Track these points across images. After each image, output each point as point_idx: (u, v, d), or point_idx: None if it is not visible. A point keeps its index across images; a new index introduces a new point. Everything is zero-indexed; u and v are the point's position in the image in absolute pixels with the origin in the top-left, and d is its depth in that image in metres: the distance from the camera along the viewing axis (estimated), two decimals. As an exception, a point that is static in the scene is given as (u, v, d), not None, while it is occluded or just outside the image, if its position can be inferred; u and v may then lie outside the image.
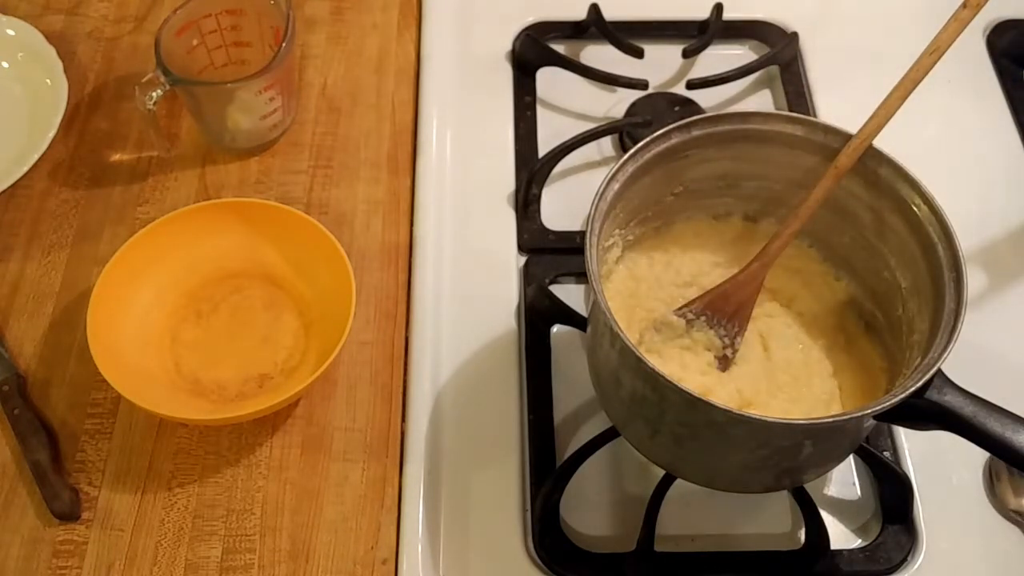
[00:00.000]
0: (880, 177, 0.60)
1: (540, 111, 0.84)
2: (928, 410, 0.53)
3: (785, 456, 0.57)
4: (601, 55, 0.86)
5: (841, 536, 0.64)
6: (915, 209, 0.58)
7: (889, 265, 0.62)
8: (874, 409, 0.52)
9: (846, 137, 0.60)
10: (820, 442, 0.57)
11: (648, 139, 0.60)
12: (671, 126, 0.61)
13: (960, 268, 0.55)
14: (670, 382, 0.51)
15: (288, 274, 0.72)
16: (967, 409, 0.53)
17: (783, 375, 0.63)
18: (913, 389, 0.51)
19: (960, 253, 0.55)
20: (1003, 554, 0.63)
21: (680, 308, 0.63)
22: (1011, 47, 0.88)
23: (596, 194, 0.58)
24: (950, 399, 0.53)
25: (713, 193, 0.66)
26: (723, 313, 0.62)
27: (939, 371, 0.53)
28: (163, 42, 0.73)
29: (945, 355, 0.52)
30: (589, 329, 0.65)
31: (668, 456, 0.61)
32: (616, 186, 0.59)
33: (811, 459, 0.58)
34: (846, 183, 0.61)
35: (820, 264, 0.67)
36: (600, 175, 0.59)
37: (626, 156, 0.59)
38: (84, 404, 0.68)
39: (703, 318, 0.62)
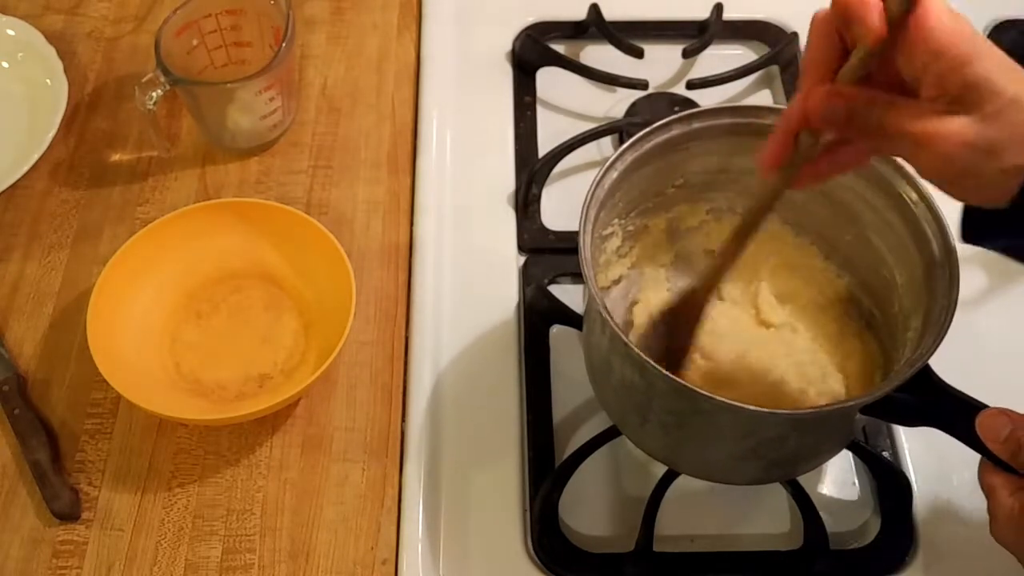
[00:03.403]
0: (880, 174, 0.60)
1: (540, 111, 0.84)
2: (915, 406, 0.53)
3: (773, 447, 0.57)
4: (601, 55, 0.86)
5: (841, 536, 0.64)
6: (912, 206, 0.58)
7: (887, 262, 0.62)
8: (857, 402, 0.52)
9: None
10: (807, 433, 0.57)
11: (649, 128, 0.60)
12: (672, 117, 0.60)
13: (953, 264, 0.55)
14: (655, 367, 0.52)
15: (288, 274, 0.72)
16: (952, 406, 0.53)
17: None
18: (897, 383, 0.51)
19: (954, 248, 0.55)
20: (1003, 554, 0.63)
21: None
22: (1011, 47, 0.87)
23: (593, 181, 0.58)
24: (936, 395, 0.53)
25: (714, 187, 0.66)
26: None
27: (928, 368, 0.53)
28: (163, 42, 0.73)
29: (932, 350, 0.52)
30: (584, 321, 0.65)
31: (660, 446, 0.61)
32: (615, 174, 0.59)
33: (800, 451, 0.58)
34: (848, 181, 0.61)
35: (822, 262, 0.67)
36: (600, 175, 0.59)
37: (626, 144, 0.59)
38: (84, 404, 0.68)
39: None
